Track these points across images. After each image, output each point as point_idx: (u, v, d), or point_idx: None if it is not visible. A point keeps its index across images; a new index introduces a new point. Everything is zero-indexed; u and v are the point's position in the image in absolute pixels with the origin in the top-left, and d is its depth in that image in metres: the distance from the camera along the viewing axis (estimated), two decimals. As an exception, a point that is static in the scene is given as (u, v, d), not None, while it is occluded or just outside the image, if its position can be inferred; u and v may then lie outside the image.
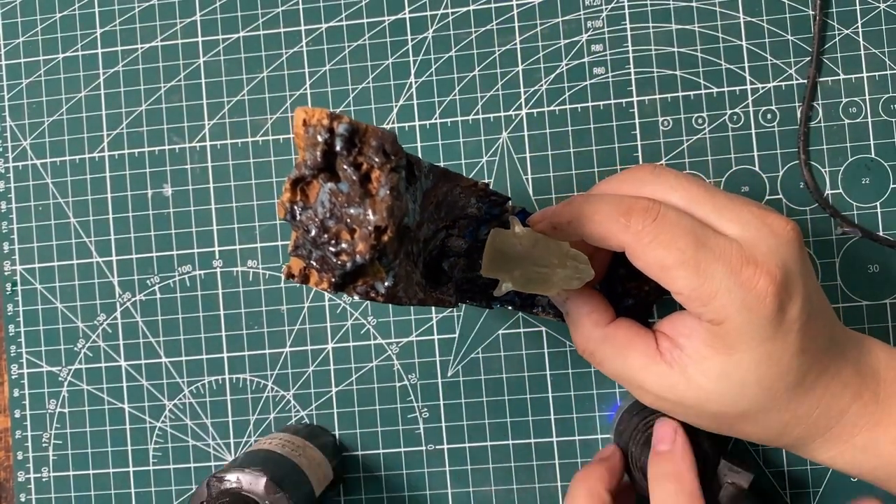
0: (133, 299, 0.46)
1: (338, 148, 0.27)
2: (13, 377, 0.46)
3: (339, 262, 0.28)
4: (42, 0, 0.47)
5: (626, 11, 0.44)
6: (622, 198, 0.34)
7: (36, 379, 0.46)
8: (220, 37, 0.46)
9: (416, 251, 0.32)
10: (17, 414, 0.46)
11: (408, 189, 0.30)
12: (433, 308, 0.45)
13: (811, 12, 0.43)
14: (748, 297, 0.32)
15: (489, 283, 0.38)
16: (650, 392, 0.35)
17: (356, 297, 0.29)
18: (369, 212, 0.27)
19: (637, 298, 0.40)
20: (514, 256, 0.33)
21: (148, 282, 0.46)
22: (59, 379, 0.46)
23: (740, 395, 0.33)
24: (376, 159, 0.27)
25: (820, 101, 0.44)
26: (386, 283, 0.29)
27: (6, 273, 0.47)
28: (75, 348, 0.46)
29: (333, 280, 0.28)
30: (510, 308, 0.40)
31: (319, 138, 0.27)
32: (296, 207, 0.28)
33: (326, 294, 0.45)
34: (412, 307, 0.45)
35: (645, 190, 0.34)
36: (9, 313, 0.47)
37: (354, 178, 0.27)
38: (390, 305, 0.45)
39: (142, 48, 0.47)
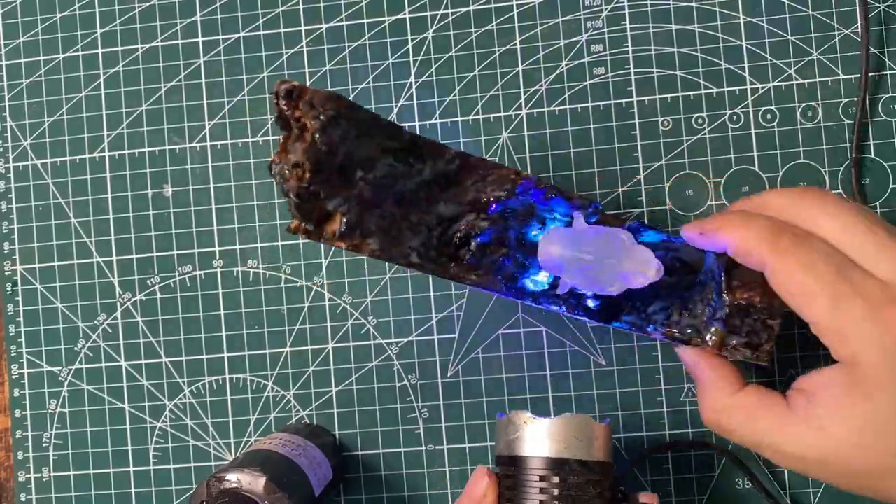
0: (133, 299, 0.46)
1: (282, 105, 0.33)
2: (13, 377, 0.46)
3: (290, 201, 0.34)
4: (42, 0, 0.47)
5: (626, 11, 0.44)
6: (776, 220, 0.34)
7: (36, 379, 0.46)
8: (220, 37, 0.46)
9: (415, 220, 0.36)
10: (18, 414, 0.46)
11: (398, 160, 0.35)
12: (433, 308, 0.45)
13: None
14: (886, 338, 0.31)
15: (614, 309, 0.38)
16: (788, 454, 0.34)
17: (335, 245, 0.34)
18: (296, 152, 0.33)
19: (749, 337, 0.37)
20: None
21: (148, 282, 0.46)
22: (60, 379, 0.46)
23: (885, 445, 0.32)
24: (305, 110, 0.33)
25: (819, 101, 0.44)
26: (341, 230, 0.34)
27: (6, 273, 0.47)
28: (75, 348, 0.46)
29: (304, 225, 0.34)
30: (626, 330, 0.38)
31: (276, 101, 0.33)
32: (274, 165, 0.34)
33: (326, 294, 0.45)
34: (411, 307, 0.45)
35: (803, 211, 0.34)
36: (9, 313, 0.47)
37: (296, 129, 0.33)
38: (390, 305, 0.45)
39: (142, 48, 0.47)
